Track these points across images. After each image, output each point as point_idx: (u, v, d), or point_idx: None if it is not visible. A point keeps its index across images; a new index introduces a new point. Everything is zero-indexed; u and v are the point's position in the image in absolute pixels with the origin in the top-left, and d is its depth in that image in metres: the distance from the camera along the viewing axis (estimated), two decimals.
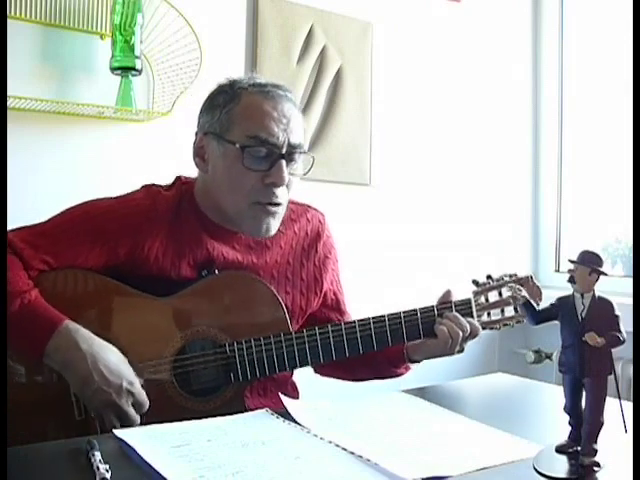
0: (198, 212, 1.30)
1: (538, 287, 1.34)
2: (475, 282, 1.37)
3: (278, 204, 1.25)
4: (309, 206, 1.44)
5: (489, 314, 1.36)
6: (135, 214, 1.25)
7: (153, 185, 1.33)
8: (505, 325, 1.36)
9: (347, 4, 2.27)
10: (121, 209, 1.26)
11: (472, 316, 1.34)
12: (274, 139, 1.22)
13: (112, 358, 1.11)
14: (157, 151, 1.93)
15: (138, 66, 1.79)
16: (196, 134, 1.30)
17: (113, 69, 1.79)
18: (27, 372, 1.16)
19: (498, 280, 1.37)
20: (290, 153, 1.24)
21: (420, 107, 2.45)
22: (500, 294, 1.36)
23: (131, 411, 1.10)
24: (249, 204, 1.23)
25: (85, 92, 1.82)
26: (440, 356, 1.32)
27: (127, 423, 1.10)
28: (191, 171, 1.39)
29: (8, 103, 1.65)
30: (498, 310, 1.36)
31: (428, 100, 2.47)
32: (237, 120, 1.23)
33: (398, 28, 2.40)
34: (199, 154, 1.29)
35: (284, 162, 1.22)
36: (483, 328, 1.34)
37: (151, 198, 1.28)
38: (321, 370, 1.46)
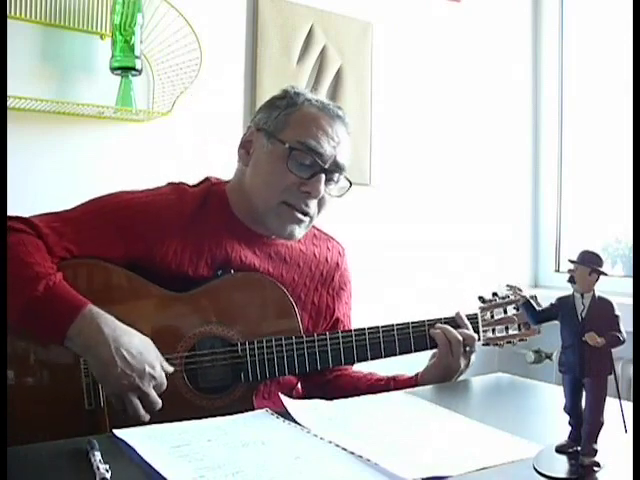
0: (226, 211, 1.31)
1: (540, 305, 1.35)
2: (481, 299, 1.40)
3: (306, 213, 1.27)
4: (332, 237, 1.48)
5: (494, 331, 1.38)
6: (160, 209, 1.27)
7: (180, 183, 1.35)
8: (508, 343, 1.39)
9: (347, 4, 2.27)
10: (146, 203, 1.28)
11: (478, 331, 1.36)
12: (322, 150, 1.25)
13: (135, 342, 1.11)
14: (157, 151, 1.94)
15: (138, 66, 1.79)
16: (249, 127, 1.34)
17: (113, 69, 1.79)
18: (37, 361, 1.16)
19: (503, 298, 1.40)
20: (332, 171, 1.27)
21: (420, 107, 2.45)
22: (505, 311, 1.38)
23: (153, 393, 1.11)
24: (278, 202, 1.26)
25: (85, 92, 1.82)
26: (447, 373, 1.32)
27: (149, 406, 1.10)
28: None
29: (8, 103, 1.65)
30: (502, 327, 1.39)
31: (428, 100, 2.47)
32: (292, 124, 1.28)
33: (398, 28, 2.40)
34: (245, 147, 1.33)
35: (324, 176, 1.26)
36: (487, 344, 1.37)
37: (177, 194, 1.30)
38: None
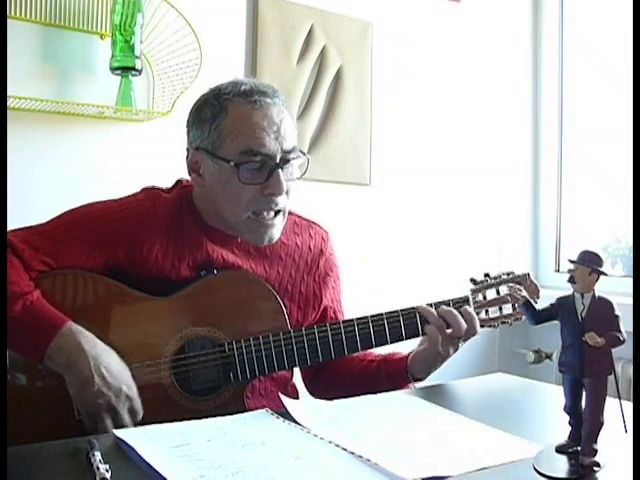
0: (197, 217, 1.30)
1: (535, 285, 1.33)
2: (473, 280, 1.37)
3: (278, 212, 1.25)
4: (314, 222, 1.44)
5: (487, 312, 1.35)
6: (135, 216, 1.26)
7: (153, 187, 1.33)
8: (503, 323, 1.36)
9: (347, 4, 2.27)
10: (121, 211, 1.27)
11: None
12: (267, 150, 1.21)
13: (113, 362, 1.11)
14: (157, 151, 1.94)
15: (138, 66, 1.79)
16: (188, 150, 1.29)
17: (113, 69, 1.79)
18: (27, 372, 1.16)
19: (496, 278, 1.37)
20: (285, 160, 1.23)
21: (420, 107, 2.45)
22: (498, 292, 1.36)
23: (127, 417, 1.11)
24: (248, 215, 1.23)
25: (85, 92, 1.82)
26: (438, 359, 1.31)
27: (122, 427, 1.09)
28: None
29: (8, 103, 1.65)
30: (496, 308, 1.36)
31: (428, 100, 2.47)
32: (227, 135, 1.22)
33: (398, 28, 2.40)
34: (194, 169, 1.28)
35: (280, 171, 1.22)
36: (481, 326, 1.34)
37: (151, 200, 1.28)
38: (317, 390, 1.44)
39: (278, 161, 1.22)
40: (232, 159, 1.21)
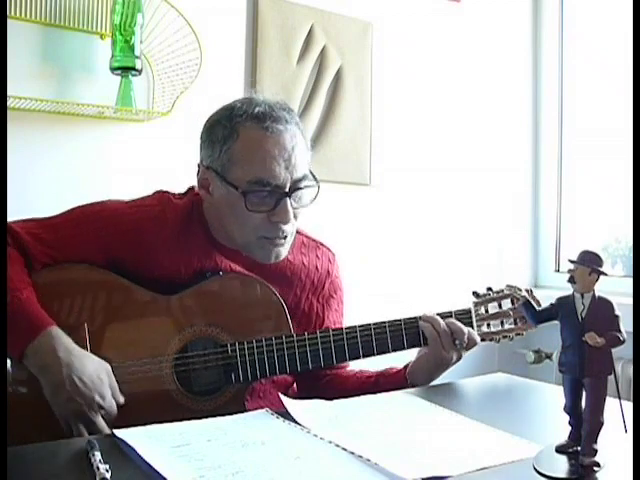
0: (206, 227, 1.30)
1: (537, 301, 1.34)
2: (475, 293, 1.38)
3: (285, 236, 1.25)
4: (321, 243, 1.44)
5: (489, 325, 1.37)
6: (144, 219, 1.26)
7: (166, 192, 1.33)
8: (504, 337, 1.37)
9: (347, 4, 2.27)
10: (131, 213, 1.27)
11: (472, 326, 1.34)
12: (276, 181, 1.20)
13: (88, 369, 1.10)
14: (157, 151, 1.93)
15: (138, 66, 1.79)
16: (198, 166, 1.29)
17: (113, 69, 1.79)
18: (27, 373, 1.16)
19: (498, 292, 1.38)
20: (294, 189, 1.22)
21: (420, 107, 2.45)
22: (500, 306, 1.37)
23: (100, 421, 1.10)
24: (256, 237, 1.24)
25: (85, 92, 1.82)
26: (439, 366, 1.31)
27: (95, 432, 1.09)
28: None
29: (8, 103, 1.65)
30: (498, 322, 1.37)
31: (428, 100, 2.47)
32: (237, 161, 1.21)
33: (398, 28, 2.40)
34: (203, 186, 1.27)
35: (288, 200, 1.21)
36: (482, 340, 1.35)
37: (162, 205, 1.29)
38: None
39: (287, 190, 1.21)
40: (240, 186, 1.20)
